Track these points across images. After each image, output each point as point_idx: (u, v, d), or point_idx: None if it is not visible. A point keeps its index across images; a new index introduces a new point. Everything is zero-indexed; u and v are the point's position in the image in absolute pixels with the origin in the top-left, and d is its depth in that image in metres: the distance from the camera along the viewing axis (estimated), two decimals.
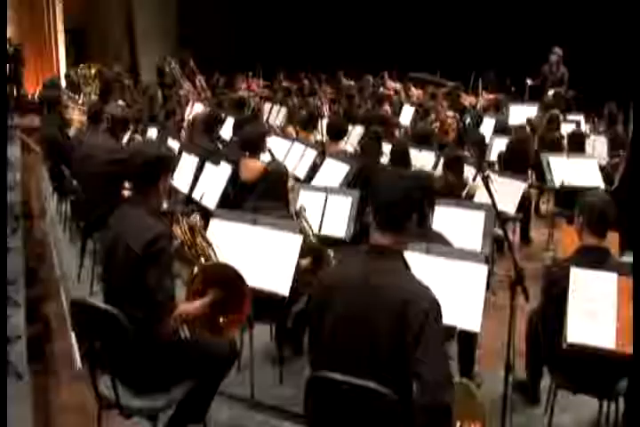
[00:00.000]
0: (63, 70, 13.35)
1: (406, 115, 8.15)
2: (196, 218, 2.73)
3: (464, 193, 4.38)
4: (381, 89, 10.07)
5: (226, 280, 2.51)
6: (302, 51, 12.98)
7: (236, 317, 2.53)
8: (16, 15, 12.66)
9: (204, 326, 2.49)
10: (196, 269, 2.58)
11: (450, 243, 2.96)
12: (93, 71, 10.12)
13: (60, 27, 13.62)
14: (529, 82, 9.28)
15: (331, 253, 3.26)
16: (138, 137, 5.31)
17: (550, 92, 8.90)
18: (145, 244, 2.27)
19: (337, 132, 5.41)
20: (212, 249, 2.68)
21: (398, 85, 11.07)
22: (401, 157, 4.47)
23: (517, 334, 2.40)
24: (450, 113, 7.77)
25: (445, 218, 3.45)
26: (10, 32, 11.73)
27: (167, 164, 2.48)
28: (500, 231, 3.65)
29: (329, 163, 4.65)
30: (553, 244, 5.17)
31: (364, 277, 1.85)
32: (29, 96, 12.24)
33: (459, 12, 11.80)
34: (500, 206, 2.97)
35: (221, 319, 2.52)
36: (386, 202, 1.90)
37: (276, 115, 7.88)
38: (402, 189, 1.90)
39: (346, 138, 5.83)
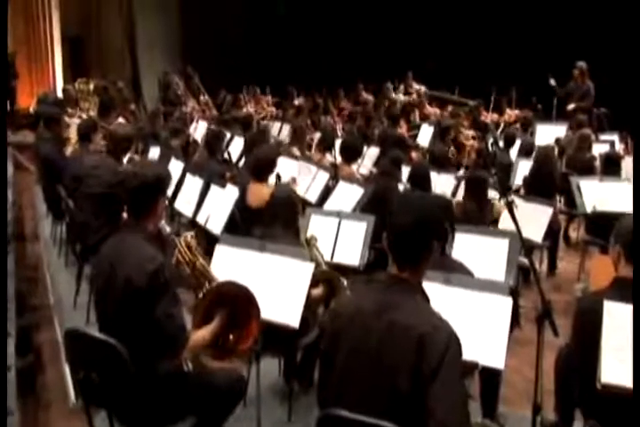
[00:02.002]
0: (60, 83, 13.52)
1: (425, 135, 8.24)
2: (190, 236, 2.76)
3: (489, 219, 4.40)
4: (401, 96, 10.15)
5: (230, 296, 2.56)
6: (316, 65, 13.11)
7: (246, 330, 2.57)
8: (9, 23, 12.83)
9: (214, 350, 2.52)
10: (200, 294, 2.64)
11: (471, 272, 2.99)
12: (92, 86, 10.29)
13: (57, 36, 13.73)
14: (552, 82, 9.28)
15: (344, 281, 3.31)
16: (136, 157, 5.39)
17: (571, 106, 8.96)
18: (150, 275, 2.32)
19: (351, 154, 5.51)
20: (211, 268, 2.75)
21: (420, 87, 11.14)
22: (421, 181, 4.53)
23: (546, 371, 2.42)
24: (471, 133, 7.87)
25: (466, 246, 3.49)
26: None
27: (163, 184, 2.55)
28: (525, 260, 3.68)
29: (342, 186, 4.72)
30: (584, 274, 5.17)
31: (379, 310, 1.88)
32: (23, 111, 12.40)
33: (480, 28, 11.95)
34: (526, 234, 3.00)
35: (231, 337, 2.56)
36: (400, 233, 1.92)
37: (286, 135, 7.99)
38: (416, 218, 1.90)
39: (360, 159, 5.92)
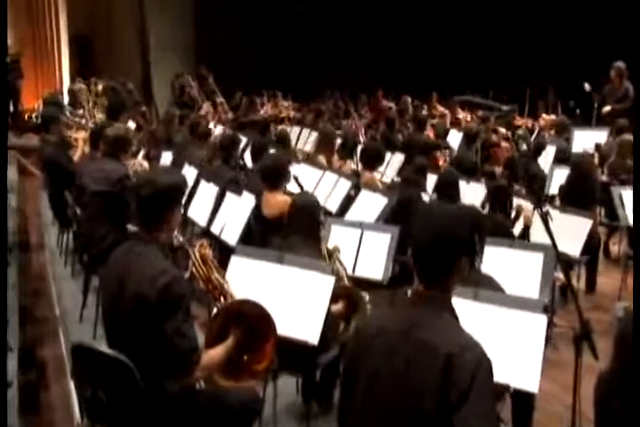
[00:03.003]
0: (66, 84, 13.68)
1: (453, 141, 8.25)
2: (206, 246, 2.78)
3: (519, 227, 4.39)
4: (424, 112, 10.20)
5: (247, 315, 2.58)
6: (338, 66, 13.13)
7: (261, 352, 2.59)
8: (14, 22, 12.91)
9: (226, 370, 2.54)
10: (215, 310, 2.66)
11: (501, 288, 2.99)
12: (100, 87, 10.42)
13: (64, 35, 13.88)
14: (587, 87, 9.22)
15: (366, 297, 3.32)
16: (144, 163, 5.44)
17: (606, 109, 8.89)
18: (160, 290, 2.33)
19: (372, 160, 5.52)
20: (228, 283, 2.76)
21: (447, 112, 11.19)
22: (449, 190, 4.54)
23: (584, 397, 2.40)
24: (503, 140, 7.86)
25: (497, 260, 3.48)
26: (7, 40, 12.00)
27: (178, 192, 2.56)
28: (561, 276, 3.66)
29: (365, 195, 4.74)
30: (626, 292, 5.12)
31: (406, 329, 1.89)
32: (28, 112, 12.55)
33: (514, 27, 11.90)
34: (562, 247, 2.99)
35: (245, 357, 2.58)
36: (423, 251, 1.92)
37: (305, 140, 8.05)
38: (439, 234, 1.90)
39: (384, 166, 5.93)
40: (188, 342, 2.37)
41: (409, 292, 1.99)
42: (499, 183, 4.67)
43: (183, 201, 4.44)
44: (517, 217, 4.49)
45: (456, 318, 1.95)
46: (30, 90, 13.24)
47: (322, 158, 6.39)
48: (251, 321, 2.57)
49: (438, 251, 1.90)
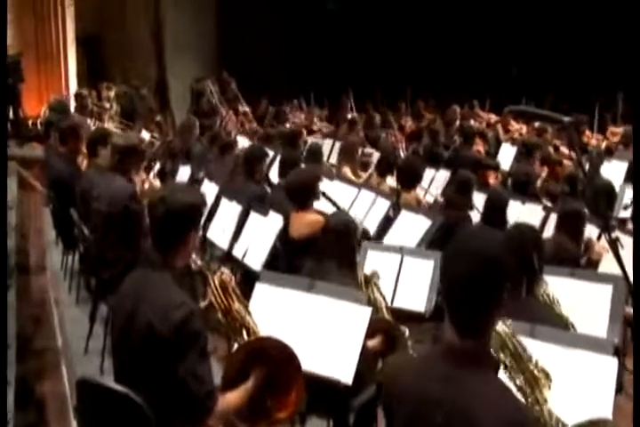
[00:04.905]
0: (73, 88, 13.91)
1: (506, 156, 8.23)
2: (227, 275, 2.80)
3: (584, 259, 4.36)
4: (472, 122, 10.19)
5: (271, 355, 2.58)
6: (371, 74, 13.14)
7: (286, 398, 2.59)
8: (16, 20, 13.04)
9: (245, 417, 2.55)
10: (235, 345, 2.68)
11: (563, 321, 2.96)
12: (112, 93, 10.58)
13: (71, 35, 14.06)
14: None
15: (406, 331, 3.31)
16: (155, 182, 5.48)
17: None
18: (175, 326, 2.35)
19: (408, 179, 5.54)
20: (251, 315, 2.78)
21: (493, 117, 11.16)
22: (493, 214, 4.53)
23: None
24: (564, 151, 7.80)
25: (558, 292, 3.45)
26: (7, 39, 11.88)
27: (196, 213, 2.58)
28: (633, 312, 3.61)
29: (405, 216, 4.75)
30: None
31: (442, 394, 1.80)
32: (31, 120, 12.72)
33: (576, 24, 11.80)
34: (635, 278, 2.95)
35: (269, 402, 2.59)
36: (453, 289, 1.79)
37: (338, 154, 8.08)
38: (475, 267, 1.74)
39: (427, 184, 5.94)
40: (204, 385, 2.38)
41: (439, 346, 1.91)
42: (572, 207, 4.60)
43: (202, 221, 4.50)
44: (586, 251, 4.44)
45: (497, 372, 1.90)
46: (33, 95, 13.37)
47: (347, 170, 6.44)
48: (276, 361, 2.57)
49: (473, 291, 1.76)
